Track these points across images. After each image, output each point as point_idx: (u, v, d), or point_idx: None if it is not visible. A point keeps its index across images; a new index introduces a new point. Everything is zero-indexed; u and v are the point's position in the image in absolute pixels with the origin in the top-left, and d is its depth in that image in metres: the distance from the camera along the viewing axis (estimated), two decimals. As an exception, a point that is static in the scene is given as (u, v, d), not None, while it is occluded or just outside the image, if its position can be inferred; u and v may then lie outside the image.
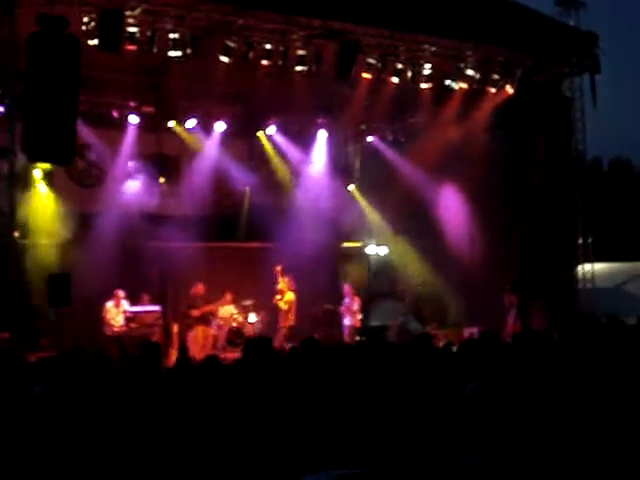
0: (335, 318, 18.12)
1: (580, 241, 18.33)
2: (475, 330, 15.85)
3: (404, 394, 2.53)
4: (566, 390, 4.04)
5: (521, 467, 2.80)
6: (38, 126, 12.26)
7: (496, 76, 16.74)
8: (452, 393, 2.74)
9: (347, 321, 17.49)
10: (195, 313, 16.55)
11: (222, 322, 17.25)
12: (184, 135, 18.38)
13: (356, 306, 17.63)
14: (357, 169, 21.34)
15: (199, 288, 16.67)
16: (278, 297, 17.50)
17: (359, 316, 17.65)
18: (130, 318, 16.15)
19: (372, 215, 20.36)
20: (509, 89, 16.88)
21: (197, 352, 15.18)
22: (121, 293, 16.03)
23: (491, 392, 3.22)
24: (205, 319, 16.70)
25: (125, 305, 16.12)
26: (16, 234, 13.94)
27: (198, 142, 18.58)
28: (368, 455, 2.44)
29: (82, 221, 16.29)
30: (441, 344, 10.70)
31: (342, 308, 17.70)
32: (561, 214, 17.42)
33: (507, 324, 16.45)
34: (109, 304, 15.94)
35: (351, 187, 20.88)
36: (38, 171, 16.38)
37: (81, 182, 17.52)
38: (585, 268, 18.62)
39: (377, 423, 2.47)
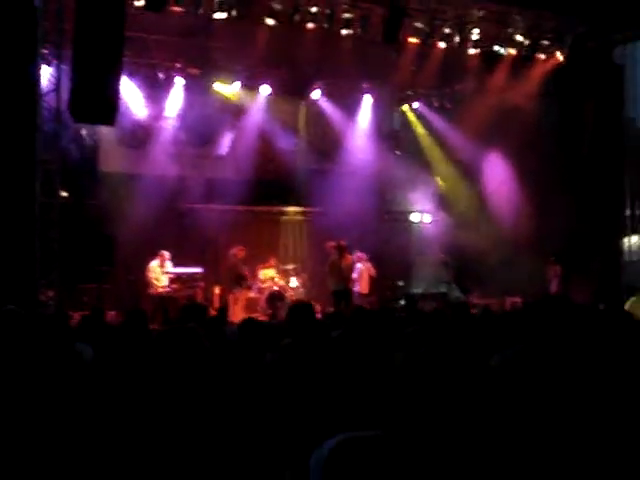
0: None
1: (628, 212, 17.98)
2: (518, 300, 15.71)
3: (431, 361, 2.52)
4: (609, 364, 3.96)
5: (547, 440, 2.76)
6: (84, 87, 12.35)
7: (546, 42, 16.42)
8: (481, 362, 2.71)
9: (356, 288, 17.06)
10: (236, 275, 16.58)
11: (263, 285, 17.30)
12: (228, 98, 18.36)
13: (366, 273, 17.34)
14: (402, 135, 21.11)
15: (240, 251, 16.67)
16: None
17: (367, 284, 17.22)
18: (173, 279, 16.32)
19: (417, 182, 20.16)
20: (559, 56, 16.56)
21: (237, 314, 15.28)
22: (166, 254, 16.13)
23: (520, 362, 3.16)
24: (246, 282, 16.75)
25: (169, 266, 16.26)
26: (63, 194, 14.10)
27: (242, 105, 18.56)
28: (392, 418, 2.44)
29: (126, 182, 16.41)
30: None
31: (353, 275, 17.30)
32: (609, 184, 17.07)
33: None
34: (154, 263, 16.04)
35: (396, 153, 20.71)
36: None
37: (126, 143, 17.57)
38: (632, 240, 18.27)
39: (401, 387, 2.46)
